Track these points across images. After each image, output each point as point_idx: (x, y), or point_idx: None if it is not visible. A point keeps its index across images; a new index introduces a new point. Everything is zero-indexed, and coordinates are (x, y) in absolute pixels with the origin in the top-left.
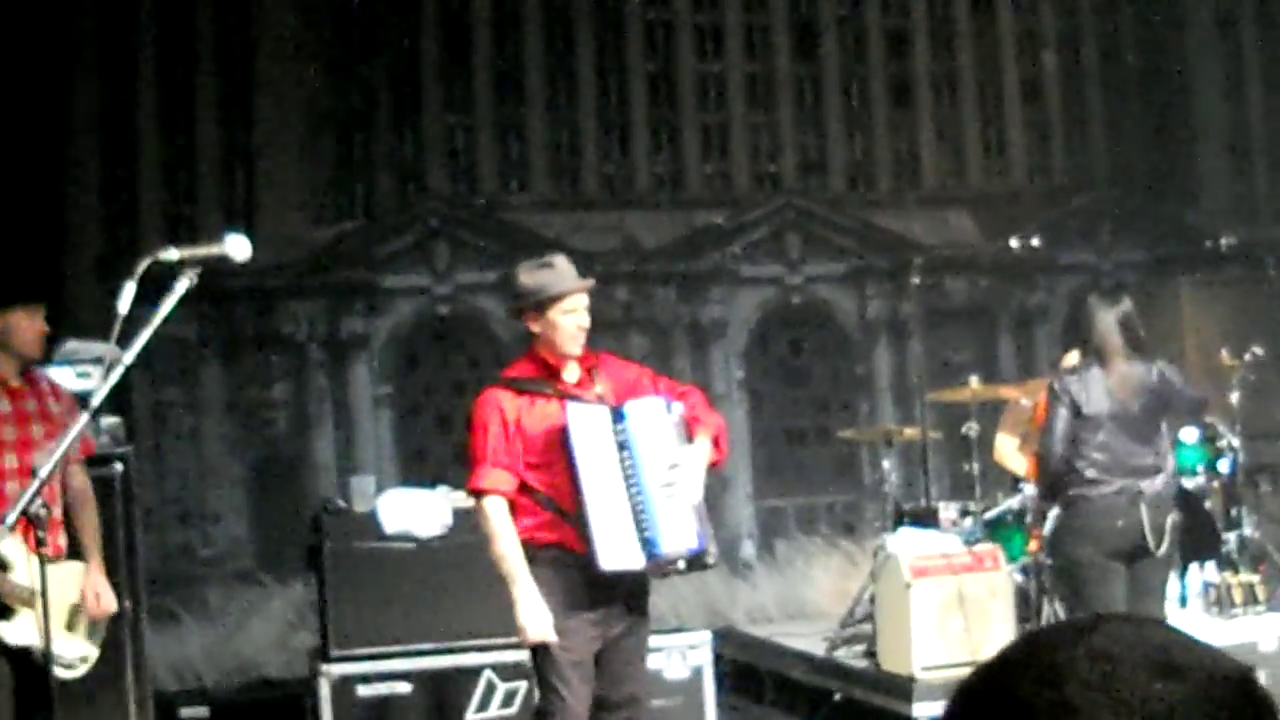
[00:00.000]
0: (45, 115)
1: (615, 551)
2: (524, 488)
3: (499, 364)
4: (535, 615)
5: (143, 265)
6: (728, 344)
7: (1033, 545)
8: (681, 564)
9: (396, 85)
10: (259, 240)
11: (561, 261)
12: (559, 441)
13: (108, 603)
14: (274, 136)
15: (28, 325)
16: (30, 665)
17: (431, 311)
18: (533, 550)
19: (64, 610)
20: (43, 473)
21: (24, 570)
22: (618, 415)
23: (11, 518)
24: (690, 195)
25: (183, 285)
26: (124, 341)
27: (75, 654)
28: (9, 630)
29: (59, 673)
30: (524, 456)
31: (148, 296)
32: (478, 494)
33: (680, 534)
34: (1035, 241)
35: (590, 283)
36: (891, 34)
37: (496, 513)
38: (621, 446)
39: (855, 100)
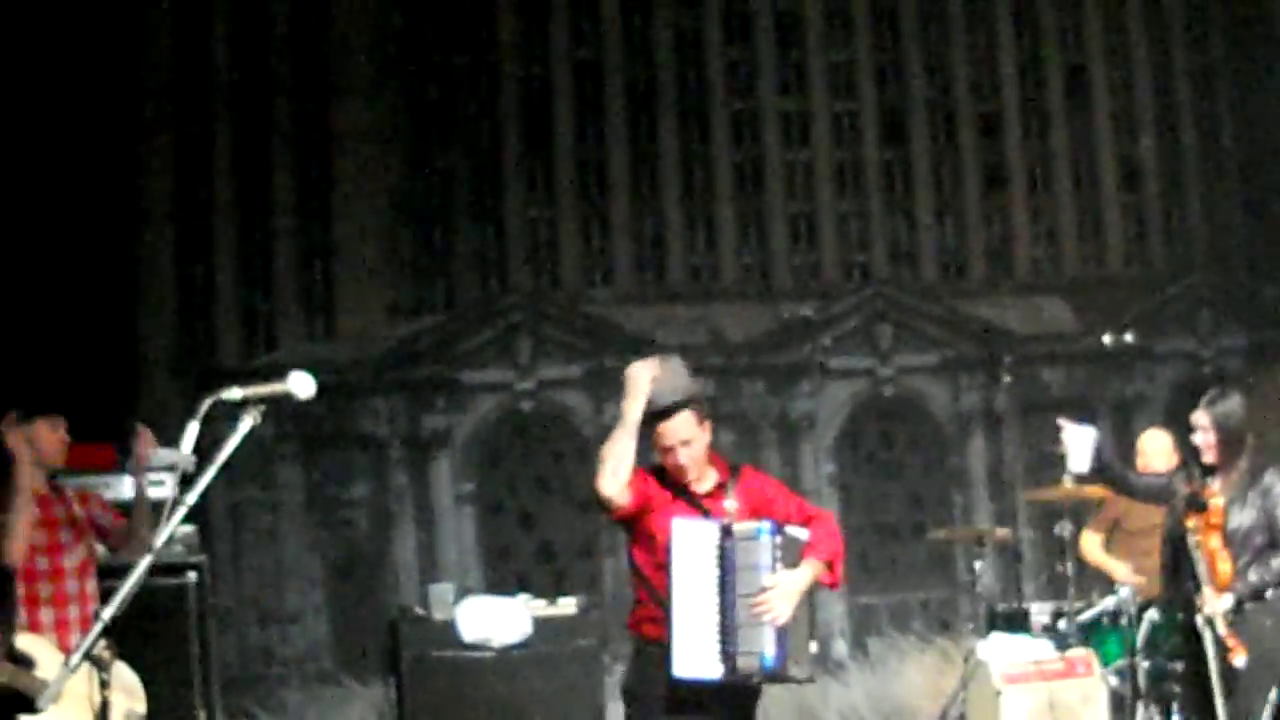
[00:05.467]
0: (119, 211)
1: (692, 660)
2: (646, 583)
3: (583, 460)
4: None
5: (205, 405)
6: (817, 438)
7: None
8: (756, 678)
9: (477, 177)
10: (337, 335)
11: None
12: (668, 546)
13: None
14: (353, 230)
15: (49, 435)
16: None
17: (514, 407)
18: (641, 642)
19: (90, 704)
20: (105, 614)
21: (49, 667)
22: (725, 532)
23: (75, 660)
24: (778, 286)
25: (247, 424)
26: (187, 483)
27: None
28: None
29: None
30: (652, 554)
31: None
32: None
33: (756, 651)
34: (1129, 337)
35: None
36: (983, 118)
37: None
38: (722, 563)
39: (946, 187)
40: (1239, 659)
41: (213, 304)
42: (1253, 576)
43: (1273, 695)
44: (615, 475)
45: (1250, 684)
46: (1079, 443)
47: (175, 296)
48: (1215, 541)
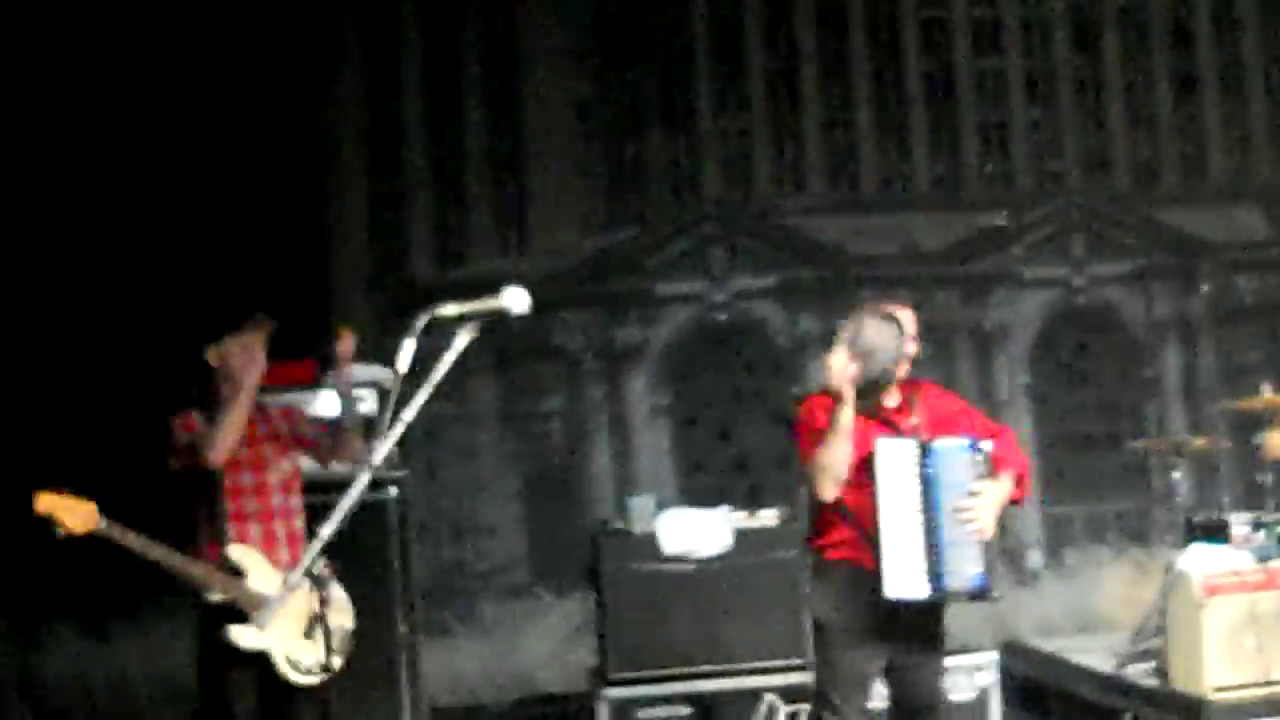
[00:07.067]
0: (309, 129)
1: (902, 581)
2: (838, 504)
3: (778, 371)
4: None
5: (422, 321)
6: (1011, 348)
7: None
8: (963, 597)
9: (667, 90)
10: (530, 249)
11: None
12: (868, 466)
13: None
14: (544, 145)
15: (241, 353)
16: (270, 670)
17: (708, 319)
18: (829, 565)
19: (302, 618)
20: (324, 533)
21: (260, 578)
22: (926, 450)
23: (295, 579)
24: (970, 196)
25: (463, 341)
26: (400, 400)
27: (312, 660)
28: (244, 634)
29: (295, 678)
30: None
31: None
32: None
33: (965, 571)
34: None
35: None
36: (1174, 26)
37: None
38: (924, 481)
39: (1138, 95)
40: None
41: (405, 220)
42: None
43: None
44: (836, 483)
45: None
46: None
47: (367, 213)
48: None
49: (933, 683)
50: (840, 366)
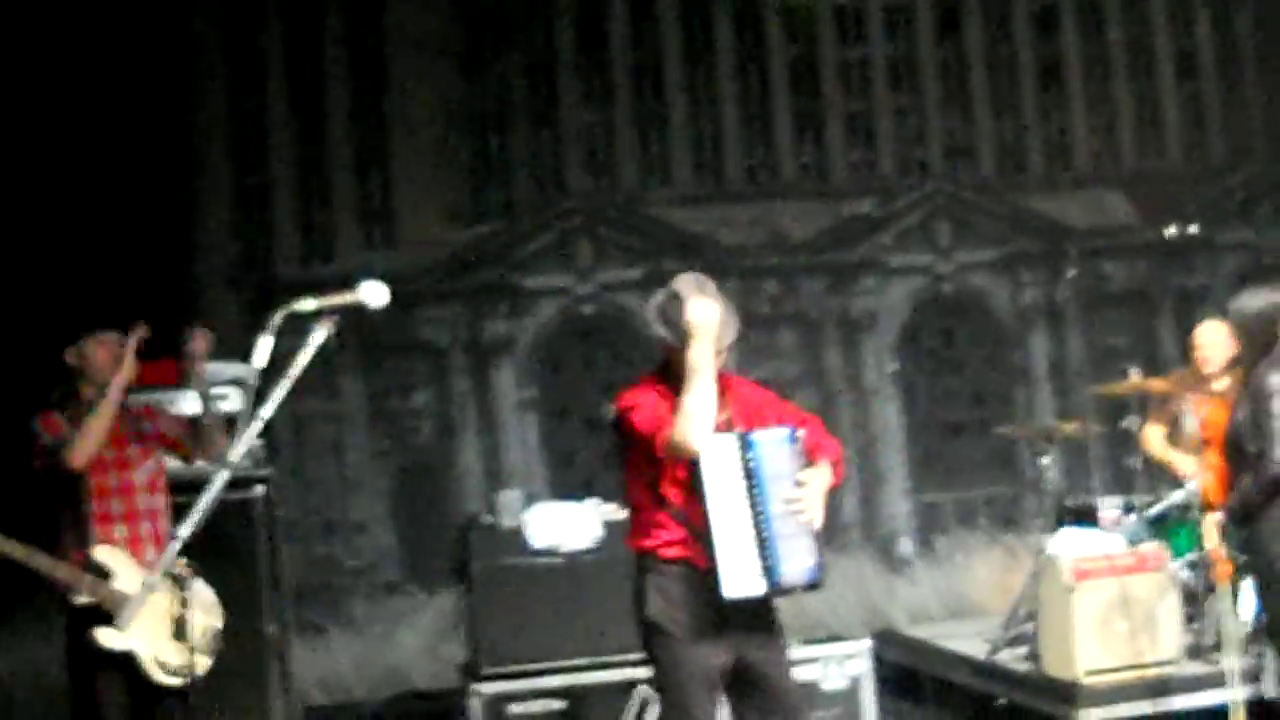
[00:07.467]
0: (172, 123)
1: (738, 580)
2: (661, 501)
3: (646, 362)
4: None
5: (278, 318)
6: (879, 336)
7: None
8: (800, 589)
9: (532, 83)
10: (396, 244)
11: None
12: (692, 465)
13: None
14: (408, 139)
15: (100, 353)
16: (136, 672)
17: (575, 311)
18: (661, 564)
19: (169, 619)
20: (182, 532)
21: (126, 579)
22: (746, 444)
23: (155, 579)
24: (836, 185)
25: (320, 335)
26: (261, 397)
27: (179, 661)
28: (110, 637)
29: (163, 679)
30: (672, 471)
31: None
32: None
33: (799, 563)
34: (1193, 229)
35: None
36: (1038, 13)
37: None
38: (748, 474)
39: (1003, 82)
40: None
41: (270, 215)
42: (1238, 494)
43: None
44: (708, 425)
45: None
46: None
47: (231, 208)
48: (1212, 456)
49: (785, 679)
50: (706, 307)
